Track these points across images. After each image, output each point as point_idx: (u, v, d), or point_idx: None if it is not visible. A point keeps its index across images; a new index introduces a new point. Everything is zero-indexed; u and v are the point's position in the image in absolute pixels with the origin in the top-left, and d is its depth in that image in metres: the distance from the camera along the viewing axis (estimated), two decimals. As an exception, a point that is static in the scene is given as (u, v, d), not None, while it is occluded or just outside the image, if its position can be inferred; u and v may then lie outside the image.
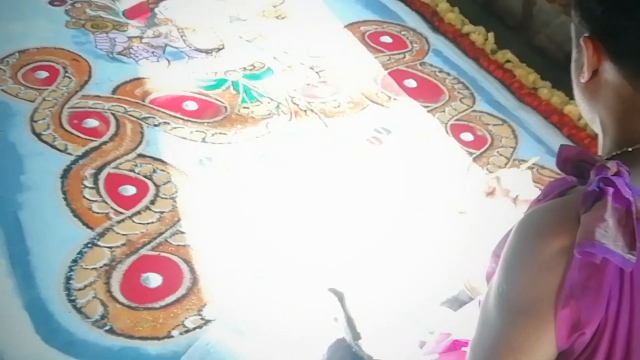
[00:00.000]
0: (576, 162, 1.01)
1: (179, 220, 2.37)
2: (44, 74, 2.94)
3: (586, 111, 1.11)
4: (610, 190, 0.92)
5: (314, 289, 2.18)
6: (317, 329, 2.00)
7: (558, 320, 0.93)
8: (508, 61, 3.36)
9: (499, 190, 1.79)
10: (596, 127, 1.10)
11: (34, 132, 2.64)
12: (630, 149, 1.02)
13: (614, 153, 1.03)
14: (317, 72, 3.21)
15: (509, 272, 0.98)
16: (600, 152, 1.09)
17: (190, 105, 2.91)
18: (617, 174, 0.94)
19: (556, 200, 1.00)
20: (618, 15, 0.99)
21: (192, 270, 2.20)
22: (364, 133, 2.88)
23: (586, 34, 1.02)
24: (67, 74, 2.97)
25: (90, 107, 2.81)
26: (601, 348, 0.94)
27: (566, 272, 0.93)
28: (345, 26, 3.59)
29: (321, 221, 2.44)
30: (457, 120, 3.01)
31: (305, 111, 2.96)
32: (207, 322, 2.05)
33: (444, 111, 3.05)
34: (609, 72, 1.02)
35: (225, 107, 2.93)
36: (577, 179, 0.99)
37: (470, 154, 2.83)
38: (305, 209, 2.48)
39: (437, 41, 3.55)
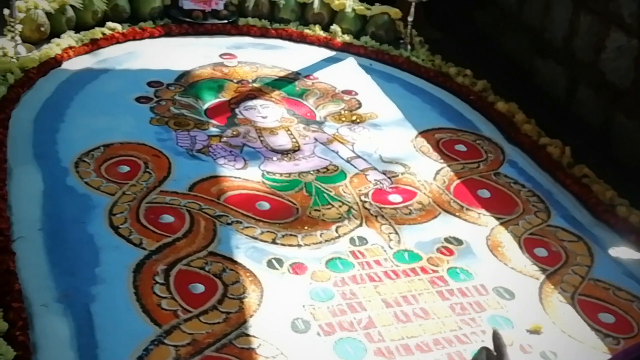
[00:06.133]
0: None
1: (245, 322, 2.37)
2: (125, 168, 3.05)
3: None
4: None
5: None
6: None
7: None
8: (585, 176, 3.32)
9: None
10: None
11: (111, 225, 2.72)
12: None
13: None
14: (389, 178, 3.23)
15: None
16: None
17: (263, 205, 2.96)
18: None
19: None
20: None
21: (255, 376, 2.18)
22: (435, 242, 2.85)
23: None
24: (147, 169, 3.07)
25: (167, 203, 2.88)
26: None
27: None
28: (420, 133, 3.62)
29: (387, 324, 2.40)
30: (531, 234, 2.96)
31: (376, 217, 2.96)
32: None
33: (517, 224, 3.01)
34: None
35: (297, 209, 2.96)
36: None
37: (544, 270, 2.76)
38: (374, 314, 2.45)
39: (513, 152, 3.55)
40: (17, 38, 3.86)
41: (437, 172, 3.33)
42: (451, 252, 2.82)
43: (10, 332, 2.17)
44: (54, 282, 2.42)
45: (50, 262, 2.51)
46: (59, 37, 4.04)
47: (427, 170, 3.33)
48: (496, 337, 1.56)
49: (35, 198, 2.81)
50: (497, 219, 3.03)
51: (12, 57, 3.76)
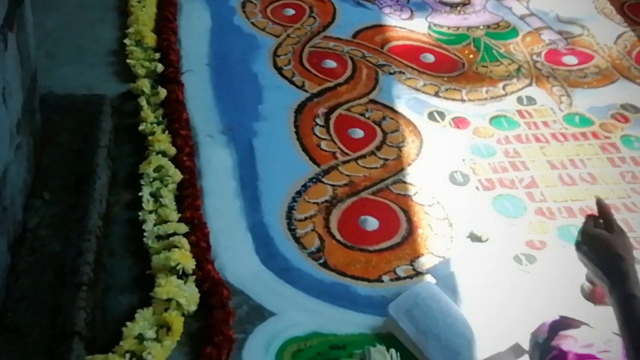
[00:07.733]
0: None
1: (402, 169, 2.34)
2: (291, 12, 3.04)
3: None
4: None
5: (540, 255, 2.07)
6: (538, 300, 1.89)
7: None
8: None
9: None
10: None
11: (275, 66, 2.73)
12: None
13: None
14: (565, 39, 3.01)
15: None
16: None
17: (428, 58, 2.85)
18: None
19: None
20: None
21: (409, 221, 2.16)
22: (610, 108, 2.66)
23: None
24: (312, 14, 3.03)
25: (330, 49, 2.85)
26: None
27: None
28: (603, -8, 3.33)
29: (551, 185, 2.30)
30: None
31: (547, 77, 2.79)
32: (418, 273, 2.01)
33: None
34: None
35: (463, 64, 2.84)
36: None
37: None
38: (537, 174, 2.35)
39: None
40: None
41: (619, 36, 3.05)
42: (627, 120, 2.62)
43: (178, 157, 2.26)
44: (218, 115, 2.49)
45: (215, 96, 2.57)
46: None
47: (608, 34, 3.06)
48: (600, 204, 1.53)
49: (203, 34, 2.85)
50: (683, 89, 2.78)
51: None
